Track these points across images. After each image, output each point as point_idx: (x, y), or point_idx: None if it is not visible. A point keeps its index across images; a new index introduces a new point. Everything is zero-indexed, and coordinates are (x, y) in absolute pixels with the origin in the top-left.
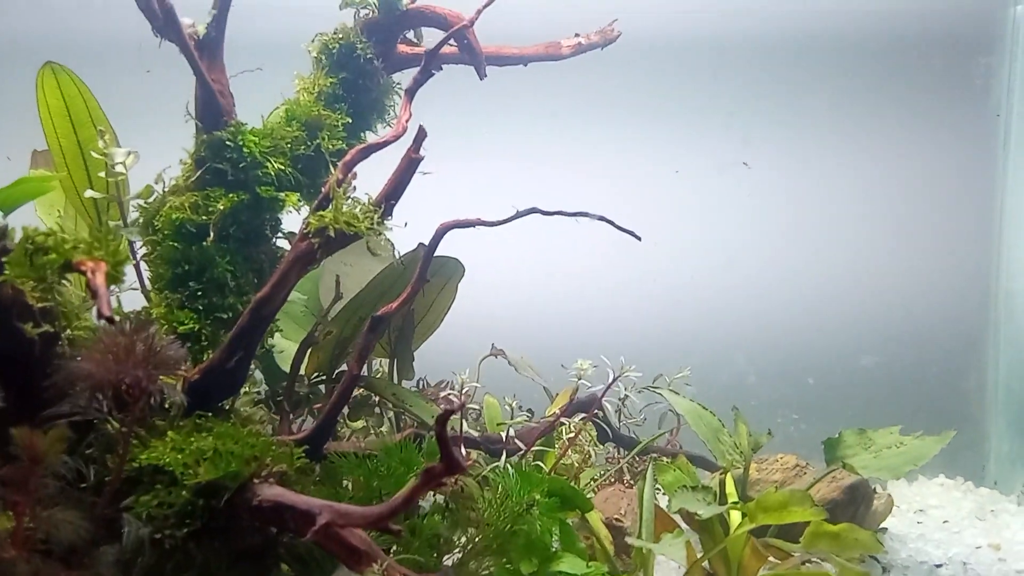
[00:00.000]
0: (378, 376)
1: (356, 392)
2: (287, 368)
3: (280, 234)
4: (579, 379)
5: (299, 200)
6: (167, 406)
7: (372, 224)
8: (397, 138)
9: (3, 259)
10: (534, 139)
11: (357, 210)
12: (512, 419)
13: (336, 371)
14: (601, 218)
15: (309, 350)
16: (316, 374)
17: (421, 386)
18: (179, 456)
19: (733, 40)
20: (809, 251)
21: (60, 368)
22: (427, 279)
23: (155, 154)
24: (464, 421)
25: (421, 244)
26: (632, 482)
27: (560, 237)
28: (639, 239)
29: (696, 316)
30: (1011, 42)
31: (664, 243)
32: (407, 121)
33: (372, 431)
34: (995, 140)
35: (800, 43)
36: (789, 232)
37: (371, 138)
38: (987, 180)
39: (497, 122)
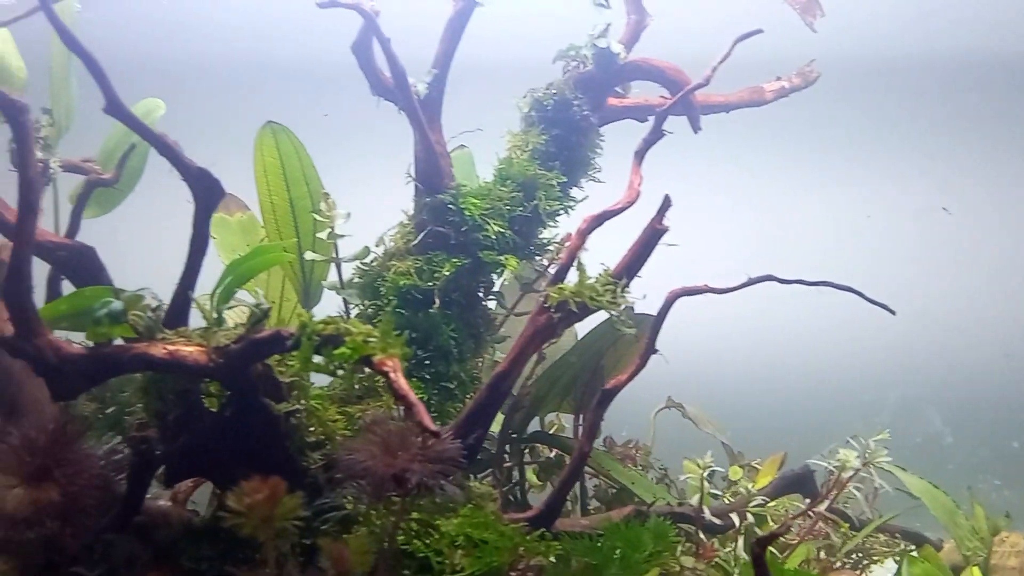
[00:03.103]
0: (553, 430)
1: (549, 451)
2: None
3: (491, 296)
4: (840, 471)
5: (518, 263)
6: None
7: (613, 298)
8: (631, 204)
9: (282, 351)
10: (716, 182)
11: (596, 282)
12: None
13: (526, 429)
14: (848, 289)
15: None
16: (510, 432)
17: (607, 444)
18: (427, 541)
19: (932, 74)
20: (1016, 302)
21: (334, 461)
22: (656, 350)
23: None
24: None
25: (628, 308)
26: (846, 562)
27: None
28: (893, 313)
29: (887, 369)
30: None
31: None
32: (639, 185)
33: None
34: None
35: (1007, 72)
36: (992, 281)
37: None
38: None
39: (676, 166)
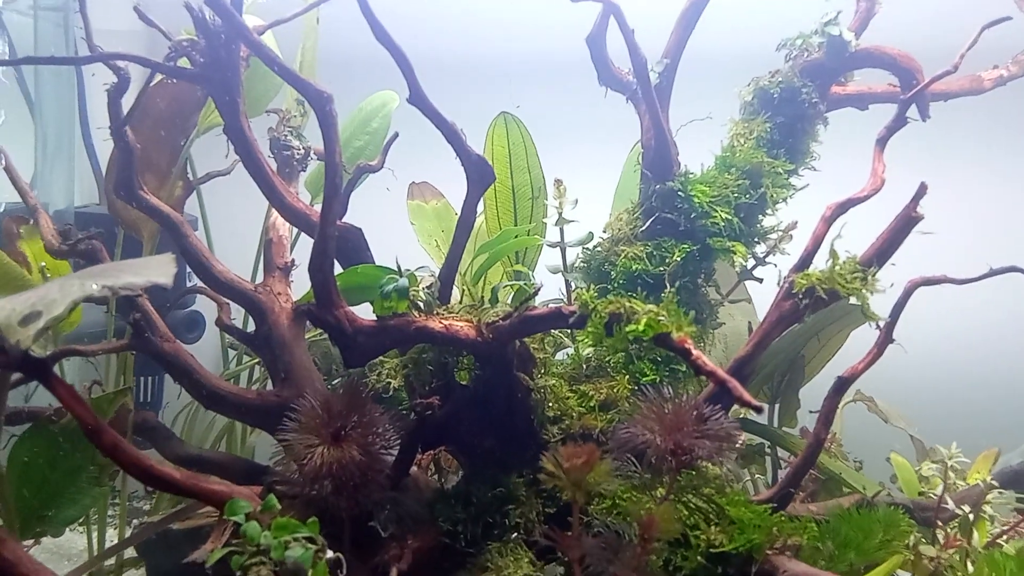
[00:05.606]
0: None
1: (742, 438)
2: None
3: (710, 283)
4: None
5: (745, 250)
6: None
7: (863, 285)
8: (876, 191)
9: (561, 327)
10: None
11: (843, 270)
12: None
13: None
14: None
15: None
16: None
17: (803, 434)
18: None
19: None
20: None
21: (616, 435)
22: (893, 339)
23: None
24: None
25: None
26: None
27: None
28: None
29: None
30: None
31: None
32: (883, 172)
33: (750, 476)
34: None
35: None
36: None
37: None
38: None
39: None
